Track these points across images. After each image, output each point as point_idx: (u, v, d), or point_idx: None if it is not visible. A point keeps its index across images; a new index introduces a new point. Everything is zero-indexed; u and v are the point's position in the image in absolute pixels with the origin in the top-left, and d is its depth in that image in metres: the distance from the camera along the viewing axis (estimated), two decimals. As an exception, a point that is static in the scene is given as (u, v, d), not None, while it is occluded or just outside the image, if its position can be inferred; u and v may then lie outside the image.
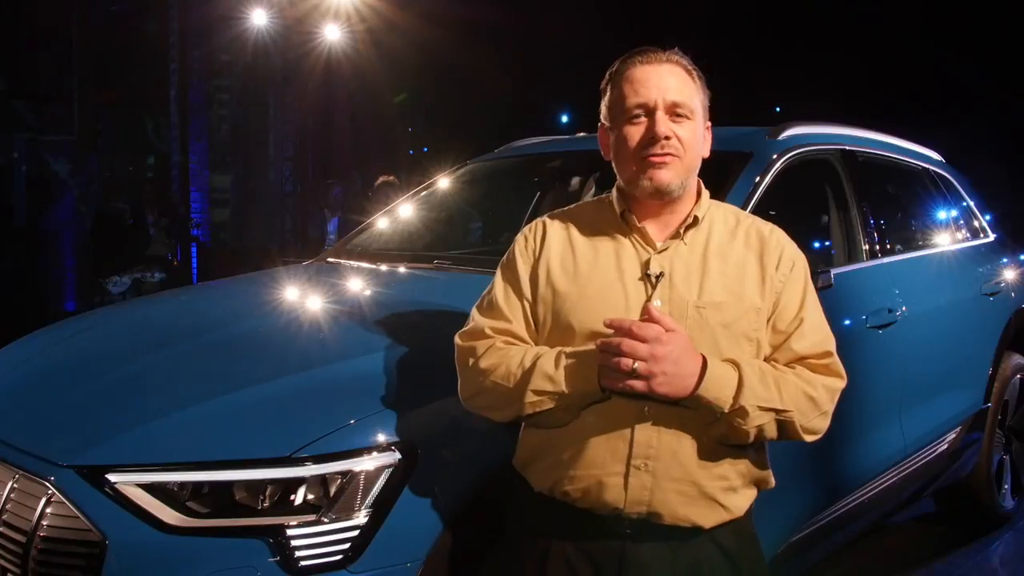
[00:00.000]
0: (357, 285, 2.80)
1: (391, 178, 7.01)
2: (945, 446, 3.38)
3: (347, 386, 1.91)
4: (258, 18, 10.35)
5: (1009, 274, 3.97)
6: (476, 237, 4.18)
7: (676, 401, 1.45)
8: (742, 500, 1.58)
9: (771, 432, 1.51)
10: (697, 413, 1.48)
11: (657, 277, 1.55)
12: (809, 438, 1.55)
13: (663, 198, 1.57)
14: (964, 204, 4.07)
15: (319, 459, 1.71)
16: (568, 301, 1.57)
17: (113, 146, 10.98)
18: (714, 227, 1.62)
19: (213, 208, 11.78)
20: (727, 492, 1.55)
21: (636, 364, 1.39)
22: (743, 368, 1.47)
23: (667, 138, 1.53)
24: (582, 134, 4.00)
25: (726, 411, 1.45)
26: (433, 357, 1.88)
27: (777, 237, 1.64)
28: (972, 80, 16.46)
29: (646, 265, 1.56)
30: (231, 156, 12.02)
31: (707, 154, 1.63)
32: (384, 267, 2.96)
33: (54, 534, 1.75)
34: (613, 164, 1.63)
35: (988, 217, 4.22)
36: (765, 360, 1.57)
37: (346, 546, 1.69)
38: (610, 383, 1.43)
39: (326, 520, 1.69)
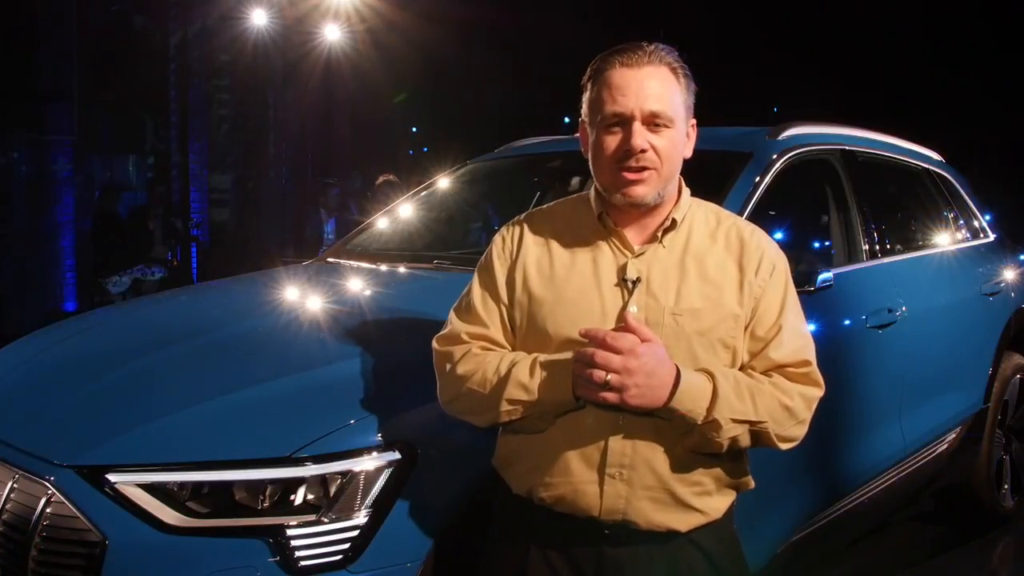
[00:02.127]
0: (357, 285, 2.80)
1: (391, 177, 7.01)
2: (945, 446, 3.38)
3: (347, 386, 1.91)
4: (258, 18, 10.34)
5: (1009, 274, 3.97)
6: (476, 237, 4.18)
7: (650, 412, 1.44)
8: (718, 503, 1.57)
9: (744, 442, 1.50)
10: (671, 423, 1.47)
11: (634, 283, 1.52)
12: (784, 446, 1.53)
13: (639, 209, 1.54)
14: (964, 204, 4.08)
15: (319, 459, 1.71)
16: (544, 306, 1.55)
17: (113, 146, 10.98)
18: (694, 229, 1.59)
19: (213, 208, 11.78)
20: (702, 497, 1.54)
21: (609, 376, 1.38)
22: (718, 380, 1.45)
23: (643, 151, 1.49)
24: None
25: (699, 423, 1.44)
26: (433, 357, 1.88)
27: (758, 240, 1.60)
28: (969, 83, 16.46)
29: (623, 270, 1.54)
30: (231, 156, 12.01)
31: (690, 154, 1.59)
32: (384, 267, 2.96)
33: (54, 534, 1.75)
34: (590, 165, 1.59)
35: (988, 217, 4.22)
36: (742, 368, 1.54)
37: (346, 546, 1.69)
38: (583, 393, 1.42)
39: (326, 520, 1.69)
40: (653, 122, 1.50)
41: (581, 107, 1.60)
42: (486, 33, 14.72)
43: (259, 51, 10.72)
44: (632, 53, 1.52)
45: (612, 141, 1.51)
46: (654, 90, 1.50)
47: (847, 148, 3.24)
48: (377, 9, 10.96)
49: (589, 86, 1.57)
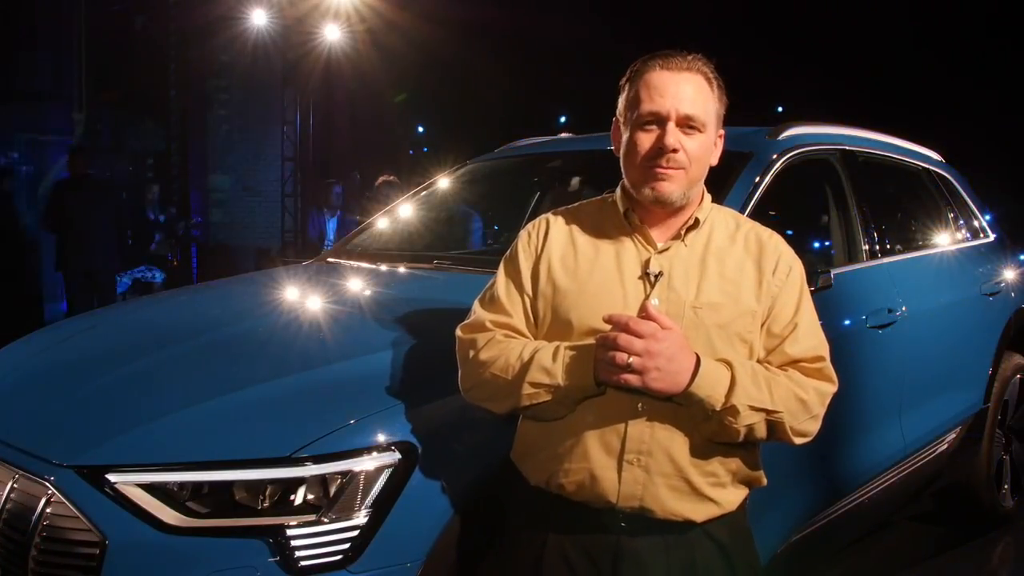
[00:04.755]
0: (357, 285, 2.80)
1: (391, 178, 7.01)
2: (945, 446, 3.38)
3: (347, 386, 1.91)
4: (258, 18, 10.34)
5: (1009, 274, 3.97)
6: (477, 238, 4.19)
7: (669, 397, 1.47)
8: (733, 496, 1.60)
9: (761, 432, 1.53)
10: (690, 410, 1.50)
11: (656, 276, 1.57)
12: (798, 440, 1.57)
13: (664, 208, 1.60)
14: (964, 204, 4.07)
15: (319, 459, 1.71)
16: (568, 297, 1.60)
17: (113, 146, 10.98)
18: (714, 230, 1.65)
19: (213, 208, 11.78)
20: (716, 488, 1.57)
21: (631, 359, 1.42)
22: (735, 368, 1.49)
23: (675, 151, 1.54)
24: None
25: (718, 409, 1.47)
26: (433, 357, 1.88)
27: (775, 243, 1.66)
28: (969, 85, 16.47)
29: (646, 264, 1.59)
30: (231, 156, 12.01)
31: (715, 162, 1.65)
32: (384, 267, 2.96)
33: (54, 534, 1.75)
34: (620, 162, 1.64)
35: (988, 217, 4.22)
36: (758, 362, 1.58)
37: (346, 546, 1.69)
38: (605, 376, 1.46)
39: (326, 520, 1.69)
40: (686, 125, 1.56)
41: (617, 105, 1.66)
42: (486, 33, 14.72)
43: (259, 51, 10.71)
44: (672, 58, 1.59)
45: (646, 139, 1.57)
46: (690, 94, 1.57)
47: (847, 148, 3.23)
48: (377, 9, 10.96)
49: (627, 86, 1.63)
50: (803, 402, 1.54)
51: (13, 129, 8.85)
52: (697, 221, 1.62)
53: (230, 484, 1.72)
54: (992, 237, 4.14)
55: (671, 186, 1.56)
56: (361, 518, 1.70)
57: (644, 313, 1.47)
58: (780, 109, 16.60)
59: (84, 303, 6.87)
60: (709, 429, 1.52)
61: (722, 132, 1.66)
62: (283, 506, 1.71)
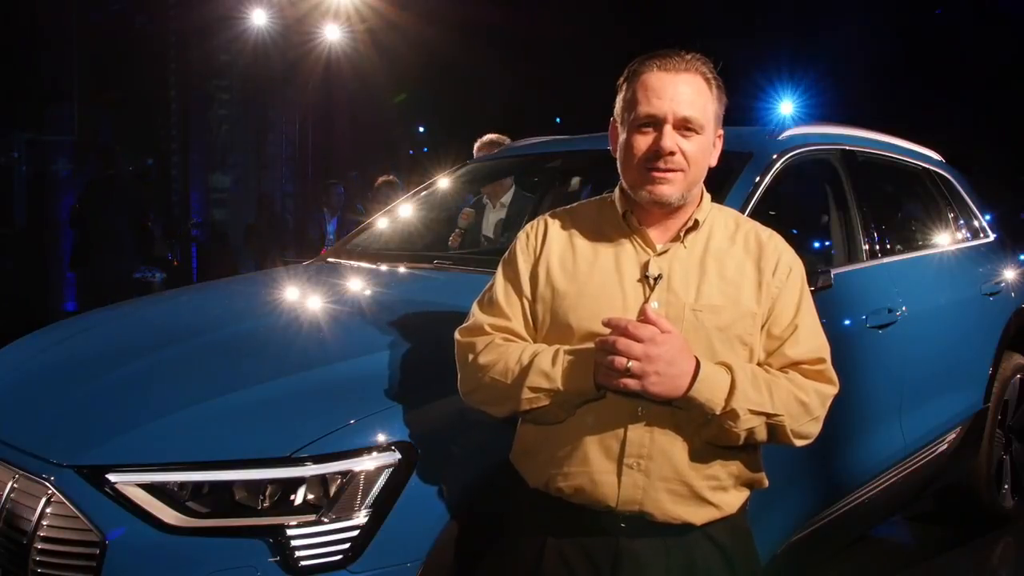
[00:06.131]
0: (357, 285, 2.80)
1: (391, 178, 7.02)
2: (945, 446, 3.38)
3: (347, 386, 1.91)
4: (258, 18, 10.34)
5: (1009, 274, 3.97)
6: (475, 237, 4.18)
7: (669, 401, 1.46)
8: (733, 499, 1.60)
9: (761, 435, 1.52)
10: (689, 414, 1.49)
11: (655, 279, 1.56)
12: (799, 442, 1.56)
13: (662, 208, 1.58)
14: (964, 204, 4.07)
15: (319, 459, 1.71)
16: (566, 300, 1.59)
17: (113, 146, 10.96)
18: (714, 231, 1.63)
19: (213, 208, 11.77)
20: (717, 491, 1.57)
21: (630, 363, 1.41)
22: (735, 371, 1.48)
23: (672, 153, 1.53)
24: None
25: (717, 413, 1.47)
26: (433, 357, 1.88)
27: (775, 243, 1.65)
28: (972, 82, 16.45)
29: (645, 267, 1.58)
30: (231, 156, 12.00)
31: (715, 163, 1.64)
32: (384, 267, 2.96)
33: (54, 534, 1.75)
34: (618, 164, 1.63)
35: (988, 217, 4.22)
36: (759, 364, 1.57)
37: (346, 546, 1.69)
38: (605, 381, 1.45)
39: (326, 520, 1.69)
40: (684, 127, 1.54)
41: (615, 105, 1.64)
42: (485, 33, 14.71)
43: (259, 51, 10.70)
44: (670, 58, 1.57)
45: (643, 142, 1.55)
46: (688, 96, 1.54)
47: (847, 148, 3.23)
48: (377, 9, 10.95)
49: (625, 86, 1.61)
50: (804, 404, 1.54)
51: (13, 128, 8.84)
52: (696, 222, 1.61)
53: (230, 484, 1.72)
54: (992, 237, 4.14)
55: (669, 189, 1.55)
56: (361, 518, 1.70)
57: (643, 316, 1.46)
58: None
59: (96, 304, 6.83)
60: (709, 433, 1.52)
61: (721, 132, 1.64)
62: (283, 506, 1.71)
